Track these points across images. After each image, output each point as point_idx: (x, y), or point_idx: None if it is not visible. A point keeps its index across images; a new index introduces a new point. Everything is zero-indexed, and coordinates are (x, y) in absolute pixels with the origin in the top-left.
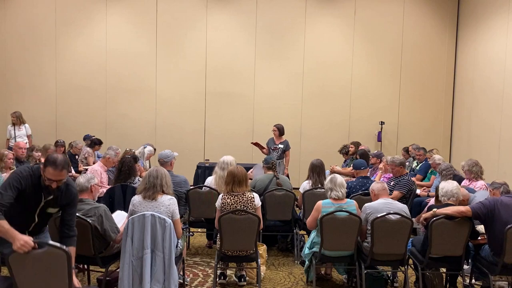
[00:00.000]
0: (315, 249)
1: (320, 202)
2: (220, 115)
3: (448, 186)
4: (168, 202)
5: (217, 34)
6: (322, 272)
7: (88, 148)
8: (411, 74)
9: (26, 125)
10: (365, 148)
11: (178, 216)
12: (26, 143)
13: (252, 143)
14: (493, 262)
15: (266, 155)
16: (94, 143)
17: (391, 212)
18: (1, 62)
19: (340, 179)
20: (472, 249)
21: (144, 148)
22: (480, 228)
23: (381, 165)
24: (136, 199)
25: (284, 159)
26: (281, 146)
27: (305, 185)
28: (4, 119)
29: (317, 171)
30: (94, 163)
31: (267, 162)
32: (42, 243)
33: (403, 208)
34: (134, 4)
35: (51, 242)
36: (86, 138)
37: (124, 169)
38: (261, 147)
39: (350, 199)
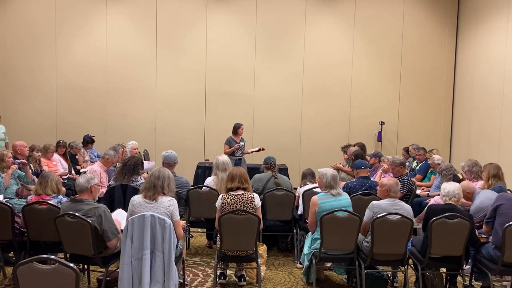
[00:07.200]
0: (315, 246)
1: (315, 197)
2: (220, 115)
3: (449, 186)
4: (168, 204)
5: (217, 34)
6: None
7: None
8: (411, 74)
9: None
10: (358, 148)
11: (178, 217)
12: None
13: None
14: (494, 258)
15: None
16: (87, 142)
17: (401, 214)
18: (1, 62)
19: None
20: (472, 249)
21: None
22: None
23: (386, 166)
24: (136, 199)
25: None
26: (242, 143)
27: (300, 190)
28: (4, 119)
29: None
30: (90, 162)
31: (266, 163)
32: (52, 259)
33: (409, 210)
34: (134, 4)
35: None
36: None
37: (130, 164)
38: (258, 150)
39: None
